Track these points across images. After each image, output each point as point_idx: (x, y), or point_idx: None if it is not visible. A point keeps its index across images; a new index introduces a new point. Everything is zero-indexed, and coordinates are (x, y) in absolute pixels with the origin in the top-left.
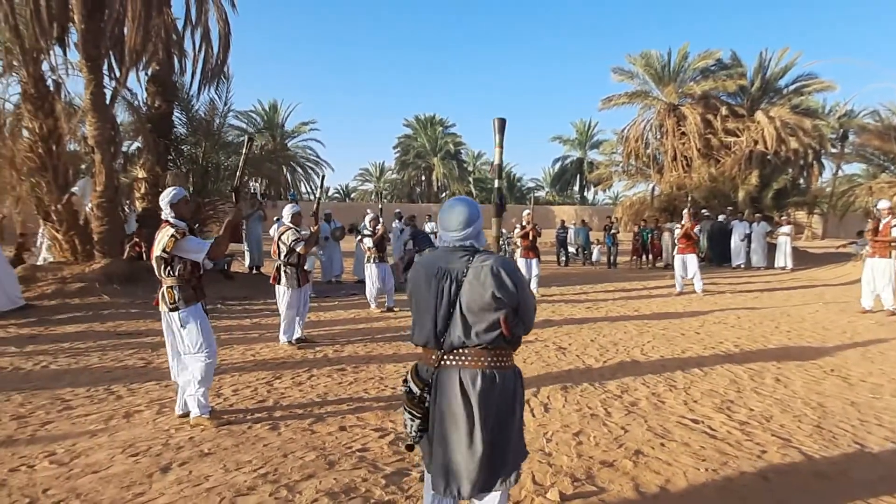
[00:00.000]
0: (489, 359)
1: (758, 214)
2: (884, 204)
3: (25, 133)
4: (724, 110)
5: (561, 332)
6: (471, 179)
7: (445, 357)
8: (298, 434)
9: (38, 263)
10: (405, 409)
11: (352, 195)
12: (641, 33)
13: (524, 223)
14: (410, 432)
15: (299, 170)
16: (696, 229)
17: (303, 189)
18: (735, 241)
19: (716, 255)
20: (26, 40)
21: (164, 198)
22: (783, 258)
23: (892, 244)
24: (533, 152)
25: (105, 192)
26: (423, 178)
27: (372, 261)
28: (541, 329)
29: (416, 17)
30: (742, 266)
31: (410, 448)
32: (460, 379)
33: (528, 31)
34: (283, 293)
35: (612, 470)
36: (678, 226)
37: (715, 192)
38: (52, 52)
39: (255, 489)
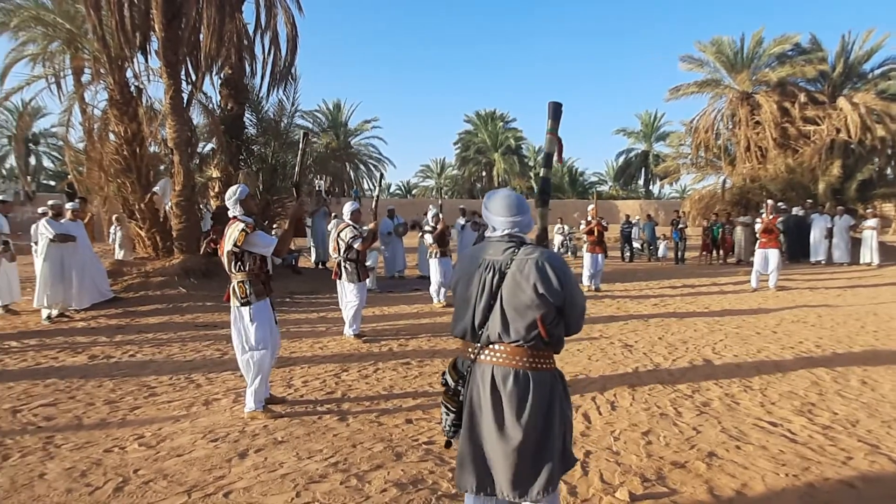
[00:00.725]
0: (525, 358)
1: (840, 207)
2: None
3: (112, 137)
4: (802, 97)
5: (627, 329)
6: (531, 175)
7: (481, 351)
8: (366, 425)
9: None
10: (442, 403)
11: (413, 192)
12: (709, 20)
13: (589, 218)
14: (445, 427)
15: (362, 167)
16: (778, 222)
17: (365, 186)
18: (815, 236)
19: (793, 251)
20: (112, 49)
21: (231, 195)
22: (869, 253)
23: None
24: (595, 146)
25: (183, 191)
26: (484, 173)
27: (434, 256)
28: (605, 325)
29: (477, 11)
30: (822, 262)
31: (448, 445)
32: (493, 376)
33: (590, 23)
34: (344, 288)
35: (685, 471)
36: (758, 220)
37: (792, 184)
38: (135, 60)
39: (326, 477)
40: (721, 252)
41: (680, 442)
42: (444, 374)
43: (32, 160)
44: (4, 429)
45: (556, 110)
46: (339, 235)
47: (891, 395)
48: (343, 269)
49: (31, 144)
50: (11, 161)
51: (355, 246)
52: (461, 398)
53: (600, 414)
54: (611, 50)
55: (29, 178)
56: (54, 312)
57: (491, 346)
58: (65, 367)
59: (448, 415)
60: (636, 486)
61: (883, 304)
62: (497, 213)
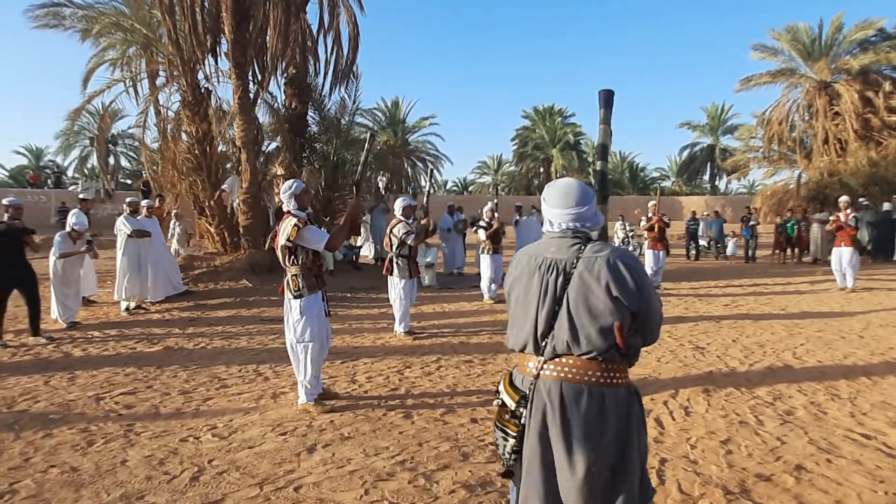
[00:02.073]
0: (598, 372)
1: None
2: None
3: (184, 136)
4: (887, 86)
5: (697, 331)
6: (590, 171)
7: (546, 365)
8: (431, 424)
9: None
10: (496, 426)
11: (469, 188)
12: (776, 8)
13: (650, 214)
14: (503, 454)
15: (419, 164)
16: (850, 219)
17: (422, 182)
18: None
19: (878, 249)
20: (185, 52)
21: (286, 190)
22: None
23: None
24: (657, 140)
25: (250, 188)
26: (542, 169)
27: (486, 252)
28: (673, 326)
29: (536, 4)
30: None
31: (509, 475)
32: (562, 394)
33: (652, 14)
34: (395, 284)
35: (771, 485)
36: (832, 217)
37: (875, 178)
38: (206, 62)
39: (394, 475)
40: (795, 250)
41: (763, 453)
42: (497, 391)
43: (112, 160)
44: (89, 415)
45: (607, 98)
46: (391, 231)
47: None
48: (395, 265)
49: (110, 145)
50: (93, 161)
51: (408, 242)
52: (522, 420)
53: (674, 419)
54: (674, 41)
55: (108, 176)
56: (132, 304)
57: (558, 360)
58: (142, 356)
59: (507, 440)
60: (718, 498)
61: None
62: (554, 204)
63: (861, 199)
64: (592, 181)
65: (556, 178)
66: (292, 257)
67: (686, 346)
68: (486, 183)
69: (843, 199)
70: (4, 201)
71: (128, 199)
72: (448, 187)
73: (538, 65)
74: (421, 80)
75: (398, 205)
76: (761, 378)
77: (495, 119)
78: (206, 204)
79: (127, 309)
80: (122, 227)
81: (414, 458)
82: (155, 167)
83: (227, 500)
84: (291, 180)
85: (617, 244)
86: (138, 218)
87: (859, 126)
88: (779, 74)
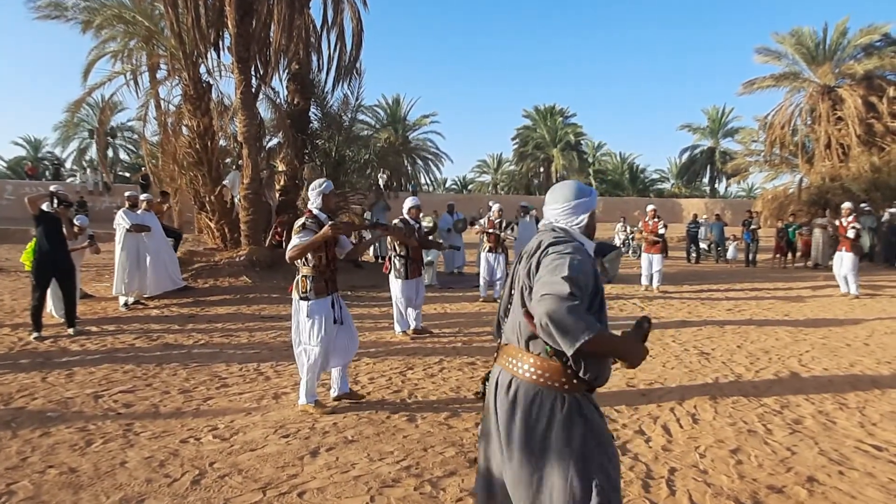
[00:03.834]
0: (527, 366)
1: None
2: None
3: (185, 131)
4: (891, 91)
5: (701, 336)
6: (591, 171)
7: (500, 351)
8: (435, 427)
9: None
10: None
11: (469, 187)
12: (780, 12)
13: (647, 218)
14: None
15: (419, 161)
16: (852, 226)
17: (422, 180)
18: None
19: (883, 255)
20: (187, 46)
21: (316, 187)
22: None
23: None
24: (658, 142)
25: (251, 184)
26: (542, 169)
27: (486, 251)
28: (677, 330)
29: (537, 3)
30: None
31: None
32: (498, 381)
33: (653, 15)
34: (392, 283)
35: (783, 497)
36: (836, 223)
37: (878, 183)
38: (208, 56)
39: (399, 482)
40: (797, 255)
41: (774, 463)
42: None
43: (110, 153)
44: (88, 414)
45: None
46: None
47: None
48: (392, 263)
49: (109, 138)
50: (92, 153)
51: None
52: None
53: (681, 427)
54: (675, 43)
55: (107, 169)
56: (131, 300)
57: (505, 347)
58: (141, 354)
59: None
60: None
61: None
62: (546, 203)
63: (863, 205)
64: (593, 182)
65: (557, 178)
66: (305, 258)
67: (691, 351)
68: (485, 182)
69: (846, 205)
70: (51, 188)
71: (127, 193)
72: (448, 185)
73: (540, 64)
74: (422, 78)
75: (406, 204)
76: (768, 386)
77: (496, 118)
78: (207, 199)
79: (125, 304)
80: (121, 222)
81: (419, 463)
82: (155, 161)
83: None
84: (322, 179)
85: (619, 245)
86: (137, 212)
87: (862, 131)
88: (782, 78)
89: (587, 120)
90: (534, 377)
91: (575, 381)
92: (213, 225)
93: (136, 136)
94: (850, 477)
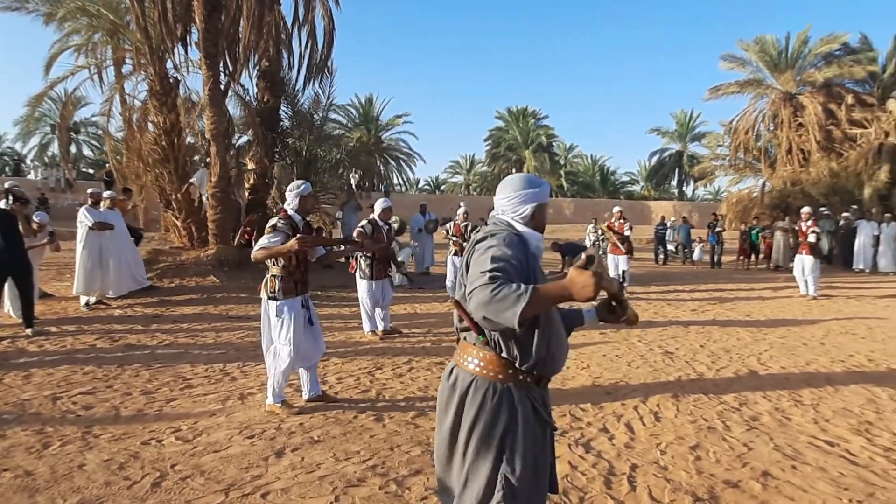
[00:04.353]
0: (465, 355)
1: (888, 214)
2: None
3: (150, 127)
4: (849, 99)
5: (666, 335)
6: (562, 172)
7: (456, 343)
8: (402, 427)
9: None
10: None
11: (442, 187)
12: (747, 19)
13: (613, 220)
14: None
15: (392, 162)
16: (812, 230)
17: (395, 181)
18: (860, 243)
19: (841, 258)
20: (153, 40)
21: (295, 188)
22: None
23: None
24: (628, 145)
25: (220, 182)
26: (514, 170)
27: (454, 254)
28: (643, 330)
29: (511, 6)
30: (866, 270)
31: None
32: (451, 370)
33: (624, 20)
34: (358, 283)
35: (739, 491)
36: (794, 227)
37: (836, 188)
38: (175, 51)
39: (364, 481)
40: (759, 257)
41: (731, 459)
42: None
43: (73, 149)
44: (45, 416)
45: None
46: (360, 228)
47: None
48: (358, 264)
49: (72, 133)
50: (54, 149)
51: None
52: None
53: (644, 425)
54: (646, 48)
55: (70, 165)
56: (92, 300)
57: (456, 339)
58: (102, 354)
59: None
60: None
61: None
62: (496, 193)
63: (822, 209)
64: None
65: None
66: (275, 258)
67: (656, 350)
68: (458, 183)
69: (805, 209)
70: (6, 184)
71: (89, 190)
72: (420, 186)
73: (513, 66)
74: (395, 79)
75: (377, 206)
76: (728, 384)
77: (469, 119)
78: (173, 197)
79: (87, 304)
80: (84, 219)
81: (385, 462)
82: (119, 157)
83: None
84: (301, 181)
85: (588, 245)
86: (100, 209)
87: (822, 137)
88: (746, 85)
89: (559, 122)
90: (471, 367)
91: (511, 370)
92: (179, 224)
93: (100, 132)
94: (802, 471)
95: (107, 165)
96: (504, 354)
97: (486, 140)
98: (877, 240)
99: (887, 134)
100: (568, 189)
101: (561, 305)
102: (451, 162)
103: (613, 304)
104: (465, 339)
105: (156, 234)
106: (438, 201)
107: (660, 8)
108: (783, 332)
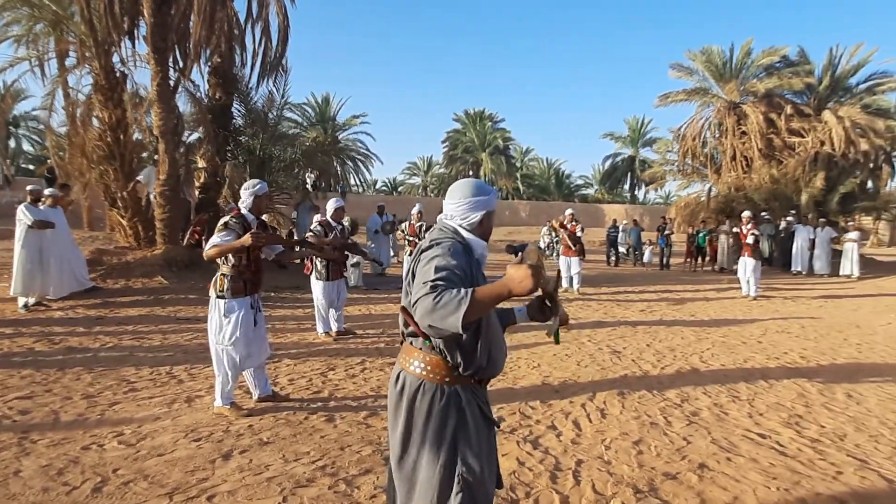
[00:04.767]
0: (411, 359)
1: (822, 219)
2: None
3: (95, 122)
4: (788, 109)
5: (615, 335)
6: (518, 175)
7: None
8: (354, 427)
9: None
10: None
11: (399, 189)
12: (700, 28)
13: (566, 222)
14: None
15: (349, 162)
16: (752, 233)
17: (352, 181)
18: (797, 246)
19: (780, 260)
20: (99, 33)
21: (250, 188)
22: (850, 265)
23: None
24: (582, 149)
25: (168, 180)
26: (471, 172)
27: (409, 254)
28: (593, 330)
29: (468, 10)
30: (803, 272)
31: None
32: (398, 374)
33: (580, 26)
34: (313, 284)
35: (677, 483)
36: (735, 230)
37: (776, 194)
38: (122, 45)
39: (314, 481)
40: (706, 259)
41: (671, 452)
42: None
43: (12, 143)
44: None
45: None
46: (312, 230)
47: (877, 410)
48: (313, 264)
49: (11, 127)
50: None
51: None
52: None
53: (590, 421)
54: (601, 54)
55: (8, 161)
56: (31, 301)
57: (402, 342)
58: (41, 358)
59: None
60: (628, 497)
61: (864, 317)
62: (446, 198)
63: (763, 214)
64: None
65: (485, 181)
66: (225, 256)
67: (604, 349)
68: (415, 184)
69: (745, 214)
70: None
71: (29, 187)
72: (378, 187)
73: (470, 69)
74: (352, 79)
75: (329, 206)
76: (671, 381)
77: (427, 121)
78: (119, 195)
79: (25, 305)
80: (23, 217)
81: (335, 462)
82: (61, 153)
83: None
84: (256, 180)
85: (542, 248)
86: (41, 207)
87: (763, 145)
88: (693, 93)
89: (516, 125)
90: (418, 370)
91: (456, 373)
92: (125, 222)
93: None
94: (736, 462)
95: (48, 162)
96: (449, 359)
97: (443, 142)
98: (812, 243)
99: (822, 143)
100: (524, 192)
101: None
102: (408, 163)
103: (546, 303)
104: (410, 343)
105: (100, 233)
106: (396, 202)
107: (614, 15)
108: (725, 331)
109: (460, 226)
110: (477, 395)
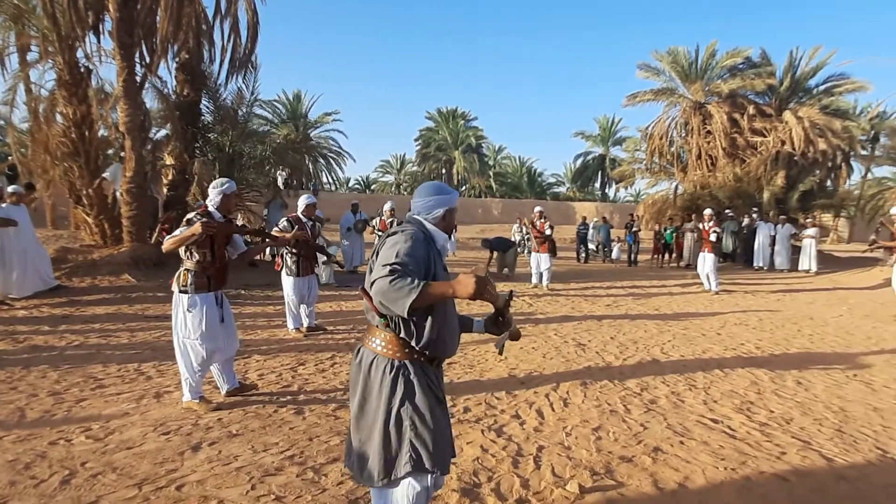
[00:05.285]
0: (372, 337)
1: (783, 216)
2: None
3: (59, 118)
4: (751, 109)
5: (581, 329)
6: (491, 173)
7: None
8: (322, 419)
9: None
10: None
11: (372, 187)
12: (669, 29)
13: (536, 221)
14: None
15: (321, 160)
16: (713, 230)
17: (324, 179)
18: (759, 243)
19: (743, 256)
20: (62, 28)
21: (218, 186)
22: (808, 261)
23: None
24: (555, 147)
25: (135, 177)
26: (444, 171)
27: None
28: (559, 325)
29: (442, 9)
30: (764, 268)
31: None
32: (358, 350)
33: (552, 26)
34: (284, 280)
35: (631, 465)
36: (699, 226)
37: (739, 192)
38: (86, 40)
39: (282, 470)
40: (672, 256)
41: (628, 437)
42: None
43: None
44: None
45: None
46: (278, 226)
47: (823, 395)
48: (284, 261)
49: None
50: None
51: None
52: None
53: (553, 410)
54: (573, 53)
55: None
56: None
57: (365, 325)
58: (5, 357)
59: None
60: (586, 479)
61: (818, 310)
62: (413, 196)
63: (727, 211)
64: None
65: (458, 179)
66: (188, 252)
67: (569, 342)
68: (388, 182)
69: (707, 211)
70: None
71: None
72: (351, 185)
73: (443, 67)
74: (324, 76)
75: (301, 202)
76: (632, 371)
77: (400, 119)
78: (84, 192)
79: None
80: None
81: (304, 452)
82: (24, 150)
83: (101, 501)
84: (225, 179)
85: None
86: (3, 205)
87: (727, 144)
88: (660, 93)
89: (488, 124)
90: (374, 346)
91: (407, 349)
92: (91, 220)
93: (1, 123)
94: (688, 446)
95: (9, 158)
96: (402, 335)
97: (416, 140)
98: (773, 240)
99: (783, 143)
100: (497, 190)
101: (466, 312)
102: (381, 161)
103: (499, 318)
104: (370, 321)
105: (64, 231)
106: (369, 200)
107: (585, 15)
108: (686, 324)
109: (425, 219)
110: (427, 372)
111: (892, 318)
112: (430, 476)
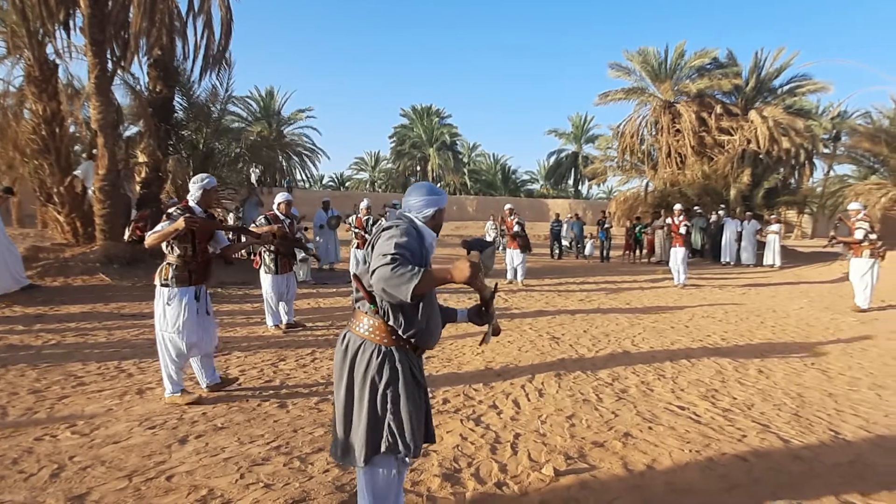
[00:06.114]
0: (356, 320)
1: (749, 213)
2: (854, 206)
3: (28, 115)
4: (718, 109)
5: (555, 323)
6: (466, 171)
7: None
8: (306, 412)
9: None
10: None
11: (346, 184)
12: (640, 29)
13: (510, 218)
14: None
15: (295, 157)
16: (683, 224)
17: (298, 176)
18: (726, 238)
19: (711, 252)
20: (32, 23)
21: (198, 181)
22: (772, 256)
23: (862, 244)
24: (528, 145)
25: (108, 175)
26: (419, 168)
27: (357, 247)
28: (534, 319)
29: (415, 6)
30: (731, 263)
31: None
32: (344, 335)
33: (526, 24)
34: (262, 278)
35: (603, 450)
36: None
37: (707, 189)
38: (57, 35)
39: (269, 460)
40: (643, 251)
41: (600, 424)
42: None
43: None
44: None
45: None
46: (255, 224)
47: (783, 383)
48: (262, 258)
49: None
50: None
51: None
52: None
53: (529, 400)
54: (546, 51)
55: None
56: None
57: (352, 310)
58: None
59: None
60: (560, 463)
61: (780, 302)
62: (405, 195)
63: (695, 208)
64: (467, 181)
65: (433, 176)
66: (170, 246)
67: (544, 336)
68: (363, 179)
69: (677, 207)
70: None
71: None
72: (325, 182)
73: (418, 64)
74: (297, 73)
75: (277, 199)
76: (604, 363)
77: (374, 116)
78: (55, 190)
79: None
80: None
81: (289, 443)
82: None
83: (93, 493)
84: (206, 174)
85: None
86: None
87: (695, 143)
88: (631, 92)
89: (462, 121)
90: (362, 331)
91: (394, 336)
92: (62, 218)
93: None
94: (656, 431)
95: None
96: (391, 322)
97: (391, 137)
98: (740, 235)
99: (749, 141)
100: (471, 187)
101: (448, 302)
102: (356, 158)
103: (483, 309)
104: (358, 308)
105: (31, 229)
106: (343, 198)
107: (557, 13)
108: (656, 317)
109: (416, 217)
110: (410, 358)
111: (849, 310)
112: (406, 458)
